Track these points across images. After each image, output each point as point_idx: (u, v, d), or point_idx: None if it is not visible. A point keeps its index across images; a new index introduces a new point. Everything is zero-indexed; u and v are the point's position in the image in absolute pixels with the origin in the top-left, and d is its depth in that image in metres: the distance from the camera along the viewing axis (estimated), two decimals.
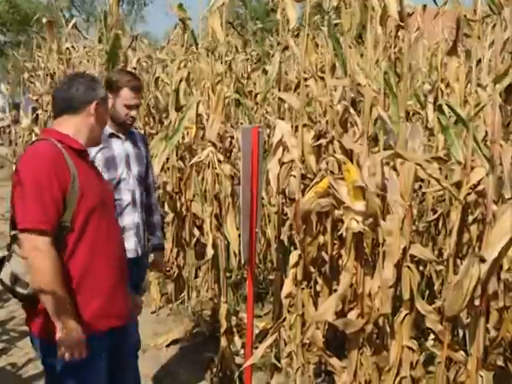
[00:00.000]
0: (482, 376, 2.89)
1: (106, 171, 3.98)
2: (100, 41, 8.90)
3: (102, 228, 3.09)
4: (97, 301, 3.07)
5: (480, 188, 3.24)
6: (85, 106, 3.14)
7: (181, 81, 6.42)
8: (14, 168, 16.51)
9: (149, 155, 4.63)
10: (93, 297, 3.05)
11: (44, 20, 7.70)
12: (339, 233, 4.47)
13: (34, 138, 14.24)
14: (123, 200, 4.17)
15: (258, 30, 5.79)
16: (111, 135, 4.20)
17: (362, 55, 4.27)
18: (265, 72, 5.76)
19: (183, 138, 6.16)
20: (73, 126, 3.15)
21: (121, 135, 4.25)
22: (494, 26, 3.19)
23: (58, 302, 2.87)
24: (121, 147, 4.23)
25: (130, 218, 4.21)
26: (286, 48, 4.85)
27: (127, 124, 4.24)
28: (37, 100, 12.81)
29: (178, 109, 6.14)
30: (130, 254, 3.95)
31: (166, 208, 6.86)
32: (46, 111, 11.63)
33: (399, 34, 4.11)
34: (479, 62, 5.18)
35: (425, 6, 6.66)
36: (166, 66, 7.98)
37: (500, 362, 3.55)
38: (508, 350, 3.65)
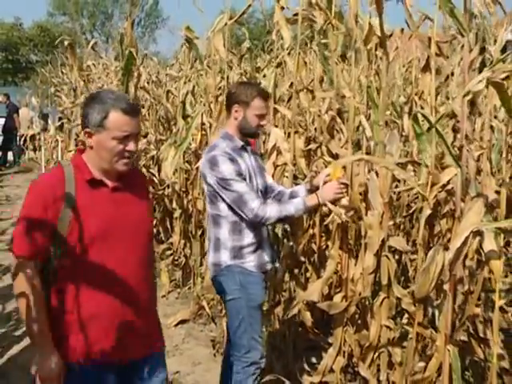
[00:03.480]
0: (449, 350, 2.88)
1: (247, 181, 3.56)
2: (116, 59, 8.89)
3: (103, 259, 2.57)
4: (86, 333, 2.57)
5: (449, 187, 3.23)
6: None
7: (187, 93, 6.45)
8: (43, 170, 16.46)
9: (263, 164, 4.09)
10: (82, 329, 2.56)
11: (66, 42, 7.69)
12: (325, 223, 4.47)
13: (59, 146, 14.30)
14: None
15: (252, 48, 5.77)
16: (242, 147, 3.67)
17: (346, 71, 4.27)
18: None
19: (189, 143, 6.16)
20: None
21: (247, 148, 3.73)
22: (462, 46, 3.17)
23: (32, 326, 2.51)
24: (250, 160, 3.69)
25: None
26: (279, 64, 4.86)
27: (257, 134, 3.84)
28: (62, 111, 12.79)
29: (185, 117, 6.16)
30: (269, 267, 3.71)
31: (174, 205, 6.87)
32: (70, 120, 11.62)
33: (378, 52, 4.11)
34: (447, 77, 5.19)
35: (402, 30, 6.64)
36: (175, 81, 7.97)
37: (464, 338, 3.55)
38: (471, 327, 3.64)
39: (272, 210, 3.46)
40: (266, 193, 3.80)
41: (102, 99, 2.58)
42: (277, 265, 4.11)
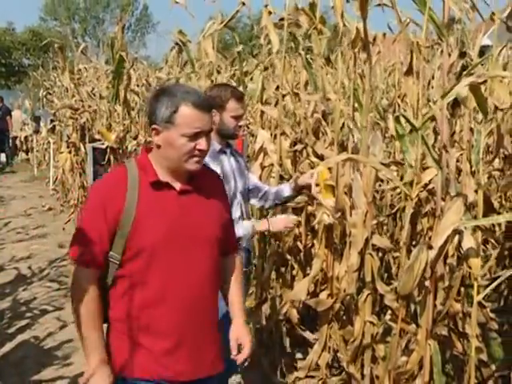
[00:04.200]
0: (430, 344, 2.91)
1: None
2: (107, 62, 8.87)
3: (167, 269, 2.30)
4: (144, 346, 2.30)
5: (430, 187, 3.25)
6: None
7: None
8: (35, 171, 16.41)
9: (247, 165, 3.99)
10: (143, 344, 2.30)
11: (55, 46, 7.69)
12: (312, 225, 4.48)
13: (51, 147, 14.24)
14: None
15: (241, 51, 5.78)
16: (220, 151, 3.53)
17: (330, 74, 4.29)
18: (245, 88, 5.79)
19: None
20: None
21: (226, 150, 3.61)
22: (442, 51, 3.20)
23: (84, 337, 2.28)
24: (227, 163, 3.55)
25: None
26: (266, 68, 4.87)
27: (236, 135, 3.63)
28: (54, 113, 12.74)
29: None
30: None
31: None
32: (62, 122, 11.59)
33: (362, 56, 4.12)
34: (429, 81, 5.23)
35: (384, 34, 6.67)
36: (164, 84, 7.97)
37: (445, 332, 3.57)
38: (451, 322, 3.66)
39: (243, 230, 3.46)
40: (249, 193, 3.76)
41: (171, 92, 2.30)
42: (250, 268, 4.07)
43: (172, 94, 2.27)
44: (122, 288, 2.32)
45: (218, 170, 3.30)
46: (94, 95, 8.97)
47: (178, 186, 2.36)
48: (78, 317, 2.29)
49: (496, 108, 4.11)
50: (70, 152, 9.95)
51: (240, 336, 2.54)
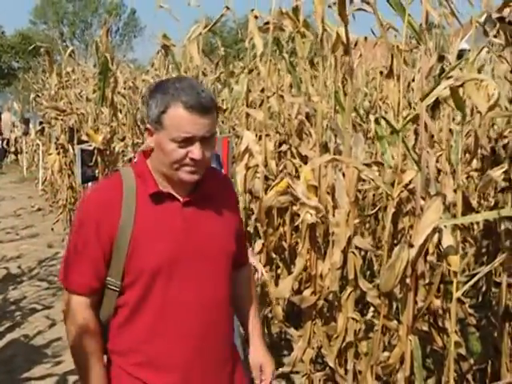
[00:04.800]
0: (410, 339, 2.92)
1: None
2: (95, 65, 8.84)
3: (172, 292, 1.94)
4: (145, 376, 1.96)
5: (411, 186, 3.27)
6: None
7: None
8: (24, 172, 16.36)
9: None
10: (140, 377, 1.96)
11: (42, 49, 7.67)
12: (296, 224, 4.48)
13: (40, 149, 14.17)
14: None
15: (226, 55, 5.81)
16: None
17: (314, 77, 4.30)
18: (231, 90, 5.80)
19: None
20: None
21: None
22: (421, 54, 3.22)
23: (83, 371, 1.96)
24: None
25: None
26: (251, 71, 4.87)
27: None
28: (43, 116, 12.68)
29: None
30: None
31: None
32: (50, 124, 11.55)
33: (344, 59, 4.13)
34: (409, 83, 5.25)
35: (366, 38, 6.69)
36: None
37: (425, 328, 3.59)
38: (431, 317, 3.68)
39: None
40: None
41: (164, 88, 1.89)
42: None
43: (164, 91, 1.88)
44: (121, 317, 1.98)
45: None
46: (82, 97, 8.94)
47: (181, 196, 1.98)
48: (75, 349, 1.97)
49: (472, 110, 4.15)
50: (58, 153, 9.92)
51: (263, 364, 2.25)
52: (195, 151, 1.88)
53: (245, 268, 2.32)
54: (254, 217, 5.07)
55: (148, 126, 1.94)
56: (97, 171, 7.16)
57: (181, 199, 1.98)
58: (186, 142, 1.86)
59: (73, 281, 1.96)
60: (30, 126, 18.02)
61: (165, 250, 1.93)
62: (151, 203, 1.94)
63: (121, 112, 8.64)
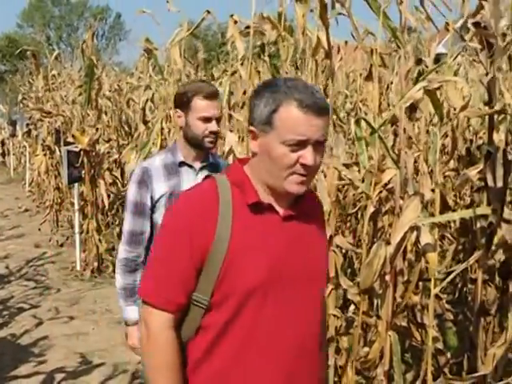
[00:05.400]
0: (390, 335, 2.93)
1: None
2: (81, 68, 8.81)
3: (267, 315, 1.67)
4: None
5: (390, 186, 3.28)
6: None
7: (147, 101, 6.43)
8: (11, 173, 16.25)
9: None
10: None
11: (28, 52, 7.63)
12: None
13: (27, 150, 14.05)
14: None
15: (209, 58, 5.84)
16: (182, 164, 2.75)
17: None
18: None
19: (150, 147, 6.14)
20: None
21: (194, 164, 2.77)
22: (399, 58, 3.23)
23: None
24: (192, 181, 2.59)
25: None
26: (233, 73, 4.86)
27: (207, 144, 2.71)
28: (29, 118, 12.60)
29: (145, 123, 6.15)
30: None
31: None
32: (36, 125, 11.48)
33: (325, 63, 4.14)
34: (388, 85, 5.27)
35: (346, 42, 6.71)
36: (135, 89, 7.93)
37: (404, 324, 3.60)
38: (410, 313, 3.70)
39: (120, 276, 2.88)
40: None
41: (275, 86, 1.65)
42: None
43: (274, 89, 1.64)
44: (204, 342, 1.70)
45: (160, 189, 2.69)
46: (68, 100, 8.90)
47: (281, 209, 1.73)
48: (155, 374, 1.69)
49: (449, 112, 4.17)
50: (45, 155, 9.88)
51: None
52: (307, 156, 1.62)
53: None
54: None
55: (252, 128, 1.69)
56: (83, 172, 7.13)
57: (281, 212, 1.73)
58: (299, 145, 1.61)
59: (160, 297, 1.67)
60: (17, 127, 17.88)
61: (264, 267, 1.66)
62: (249, 214, 1.69)
63: (106, 114, 8.62)
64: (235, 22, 4.43)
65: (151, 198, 2.69)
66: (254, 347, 1.68)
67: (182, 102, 2.71)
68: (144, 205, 2.70)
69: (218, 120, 2.73)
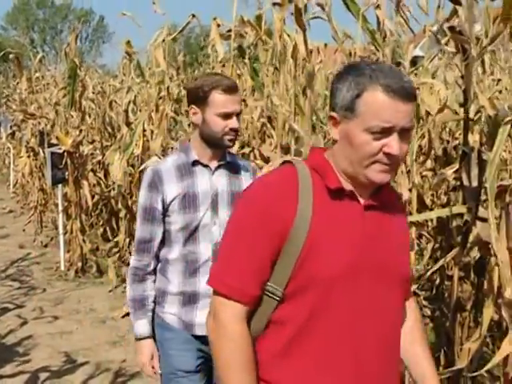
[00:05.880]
0: None
1: (181, 213, 2.37)
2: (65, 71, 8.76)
3: (347, 309, 1.51)
4: None
5: None
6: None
7: (129, 103, 6.40)
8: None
9: None
10: None
11: (10, 55, 7.58)
12: None
13: (11, 152, 13.91)
14: (200, 254, 2.38)
15: (190, 60, 5.85)
16: (195, 163, 2.43)
17: (277, 82, 4.30)
18: None
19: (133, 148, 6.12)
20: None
21: (210, 163, 2.45)
22: (377, 59, 3.25)
23: None
24: (208, 181, 2.42)
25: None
26: None
27: (226, 142, 2.40)
28: (13, 120, 12.50)
29: (128, 125, 6.12)
30: (200, 331, 2.36)
31: (120, 205, 6.79)
32: (19, 127, 11.40)
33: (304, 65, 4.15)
34: None
35: (325, 44, 6.73)
36: (117, 91, 7.89)
37: None
38: None
39: (129, 286, 2.55)
40: None
41: (358, 69, 1.50)
42: None
43: (359, 72, 1.50)
44: (276, 341, 1.55)
45: (177, 188, 2.39)
46: (51, 102, 8.83)
47: (362, 198, 1.59)
48: (227, 371, 1.52)
49: (428, 114, 4.19)
50: (29, 156, 9.80)
51: None
52: (393, 144, 1.47)
53: (410, 301, 1.80)
54: None
55: (333, 114, 1.54)
56: (66, 173, 7.08)
57: (362, 201, 1.58)
58: (383, 133, 1.46)
59: (234, 287, 1.52)
60: (1, 129, 17.68)
61: (345, 257, 1.51)
62: (330, 201, 1.55)
63: (90, 116, 8.57)
64: (218, 26, 4.43)
65: (163, 201, 2.39)
66: (337, 351, 1.51)
67: (198, 96, 2.38)
68: (154, 209, 2.41)
69: (238, 115, 2.43)
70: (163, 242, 2.47)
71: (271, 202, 1.52)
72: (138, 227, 2.49)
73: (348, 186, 1.55)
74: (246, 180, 2.50)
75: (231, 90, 2.36)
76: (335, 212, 1.54)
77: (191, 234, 2.37)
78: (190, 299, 2.41)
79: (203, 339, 2.29)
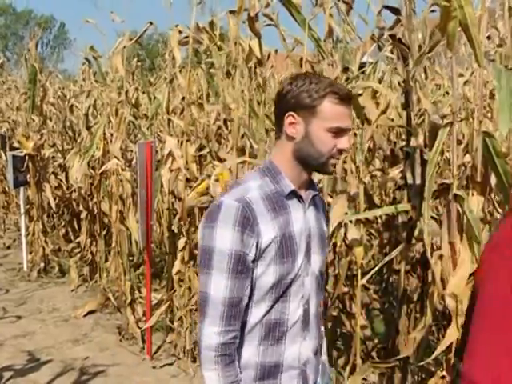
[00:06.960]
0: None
1: (277, 263, 1.64)
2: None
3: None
4: None
5: (319, 185, 3.31)
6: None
7: (89, 107, 6.31)
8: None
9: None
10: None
11: None
12: None
13: None
14: (289, 315, 1.71)
15: (150, 66, 5.80)
16: (291, 194, 1.71)
17: (232, 86, 4.29)
18: (150, 99, 5.75)
19: (93, 151, 6.03)
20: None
21: (304, 194, 1.75)
22: (328, 65, 3.27)
23: None
24: (302, 219, 1.73)
25: (296, 348, 1.73)
26: (172, 80, 4.82)
27: (330, 167, 1.72)
28: None
29: (88, 128, 6.05)
30: None
31: (81, 207, 6.70)
32: None
33: (258, 70, 4.14)
34: None
35: (276, 50, 6.74)
36: (77, 96, 7.76)
37: (335, 313, 3.64)
38: (340, 303, 3.74)
39: (218, 373, 1.63)
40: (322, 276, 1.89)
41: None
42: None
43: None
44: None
45: (273, 227, 1.64)
46: (13, 106, 8.64)
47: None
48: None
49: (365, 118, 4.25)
50: None
51: None
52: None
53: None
54: (177, 216, 5.03)
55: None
56: (28, 176, 6.94)
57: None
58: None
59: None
60: None
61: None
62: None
63: (51, 120, 8.42)
64: (180, 32, 4.38)
65: (257, 246, 1.62)
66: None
67: (303, 103, 1.66)
68: (247, 258, 1.62)
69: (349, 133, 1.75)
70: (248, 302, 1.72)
71: None
72: (221, 283, 1.62)
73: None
74: (323, 217, 1.90)
75: (348, 99, 1.70)
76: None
77: (285, 289, 1.69)
78: (270, 373, 1.72)
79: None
